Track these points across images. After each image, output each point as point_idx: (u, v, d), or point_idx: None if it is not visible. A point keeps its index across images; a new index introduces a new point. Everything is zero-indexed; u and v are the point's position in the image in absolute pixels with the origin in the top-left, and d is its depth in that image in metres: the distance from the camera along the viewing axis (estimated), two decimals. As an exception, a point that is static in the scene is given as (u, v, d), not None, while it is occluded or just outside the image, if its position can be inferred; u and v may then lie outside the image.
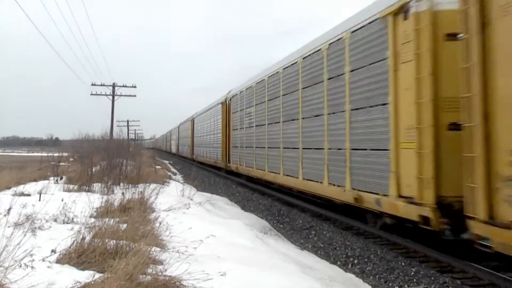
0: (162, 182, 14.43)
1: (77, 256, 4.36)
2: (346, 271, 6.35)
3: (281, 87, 12.24)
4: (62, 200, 7.25)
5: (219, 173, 24.11)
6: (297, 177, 10.93)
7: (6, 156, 53.50)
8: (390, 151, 6.81)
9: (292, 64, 11.47)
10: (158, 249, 4.96)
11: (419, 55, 6.11)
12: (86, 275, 3.87)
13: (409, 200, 6.30)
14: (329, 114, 9.10)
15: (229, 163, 19.94)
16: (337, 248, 7.69)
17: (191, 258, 4.55)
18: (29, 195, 9.63)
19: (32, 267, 3.71)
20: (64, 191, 10.79)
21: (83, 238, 4.64)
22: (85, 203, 7.09)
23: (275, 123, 12.81)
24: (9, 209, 5.07)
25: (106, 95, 35.45)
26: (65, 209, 6.70)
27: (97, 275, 3.84)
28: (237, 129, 18.14)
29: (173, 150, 55.40)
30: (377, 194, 7.17)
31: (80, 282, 3.63)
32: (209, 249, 5.21)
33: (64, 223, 6.45)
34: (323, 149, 9.39)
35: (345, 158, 8.30)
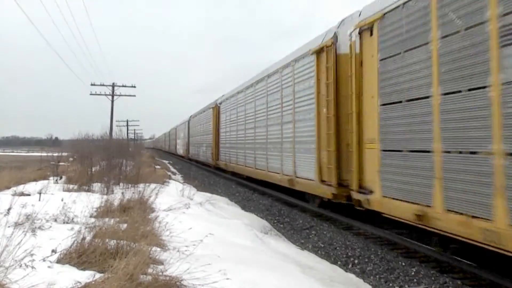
0: (162, 182, 14.44)
1: (77, 256, 4.35)
2: (346, 271, 6.34)
3: None
4: (62, 200, 7.25)
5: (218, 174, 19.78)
6: None
7: (6, 155, 53.47)
8: None
9: None
10: (159, 249, 4.96)
11: None
12: (87, 275, 3.86)
13: None
14: None
15: (365, 193, 7.68)
16: (338, 248, 7.69)
17: (191, 258, 4.54)
18: (29, 195, 9.61)
19: (33, 267, 3.70)
20: (64, 191, 10.78)
21: (84, 238, 4.63)
22: (85, 203, 7.10)
23: None
24: (9, 209, 5.08)
25: (105, 95, 35.58)
26: (65, 209, 6.69)
27: (98, 275, 3.83)
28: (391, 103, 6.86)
29: (180, 151, 42.24)
30: None
31: (80, 282, 3.63)
32: (209, 249, 5.21)
33: (64, 223, 6.44)
34: None
35: None
